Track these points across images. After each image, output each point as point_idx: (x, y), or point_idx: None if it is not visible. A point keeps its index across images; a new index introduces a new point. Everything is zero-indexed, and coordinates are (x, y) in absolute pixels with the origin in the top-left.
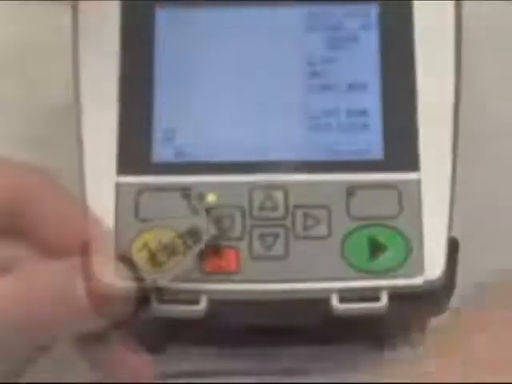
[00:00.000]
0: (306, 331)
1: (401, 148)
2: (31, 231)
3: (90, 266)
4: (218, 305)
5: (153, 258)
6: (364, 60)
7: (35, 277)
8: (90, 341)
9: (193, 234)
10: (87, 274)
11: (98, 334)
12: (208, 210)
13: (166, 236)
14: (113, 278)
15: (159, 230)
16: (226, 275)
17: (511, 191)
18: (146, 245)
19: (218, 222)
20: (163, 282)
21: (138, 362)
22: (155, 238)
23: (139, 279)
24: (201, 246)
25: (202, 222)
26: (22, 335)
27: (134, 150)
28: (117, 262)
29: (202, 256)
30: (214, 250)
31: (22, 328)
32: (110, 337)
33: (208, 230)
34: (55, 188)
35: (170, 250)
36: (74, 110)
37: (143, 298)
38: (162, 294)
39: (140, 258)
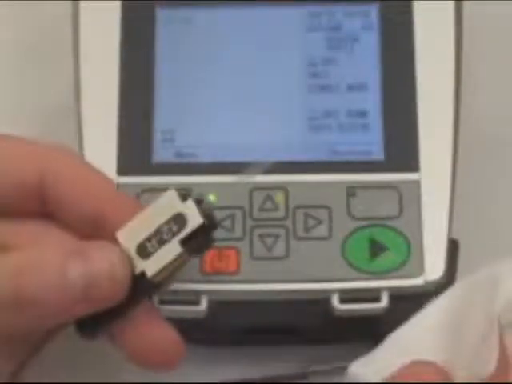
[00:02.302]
0: (306, 331)
1: (401, 148)
2: (60, 210)
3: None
4: (219, 305)
5: (141, 247)
6: (364, 60)
7: (25, 260)
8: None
9: (178, 220)
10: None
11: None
12: (198, 200)
13: (154, 223)
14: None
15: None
16: (226, 276)
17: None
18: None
19: (208, 214)
20: (151, 272)
21: (165, 337)
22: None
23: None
24: (185, 233)
25: (188, 210)
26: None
27: (135, 151)
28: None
29: (191, 247)
30: (204, 242)
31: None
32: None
33: (194, 218)
34: (82, 165)
35: (158, 239)
36: (74, 110)
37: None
38: (151, 285)
39: (129, 247)
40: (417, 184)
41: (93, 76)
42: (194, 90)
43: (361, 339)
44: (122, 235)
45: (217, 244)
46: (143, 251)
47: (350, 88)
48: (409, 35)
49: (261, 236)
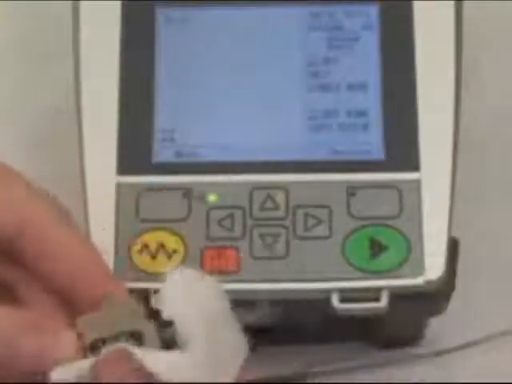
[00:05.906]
0: (306, 331)
1: (401, 148)
2: (33, 266)
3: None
4: None
5: (95, 343)
6: (364, 60)
7: None
8: None
9: (137, 337)
10: None
11: None
12: (166, 322)
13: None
14: None
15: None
16: (226, 275)
17: None
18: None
19: (168, 342)
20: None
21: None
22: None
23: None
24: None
25: (149, 332)
26: None
27: (135, 150)
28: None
29: None
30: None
31: None
32: None
33: (152, 344)
34: (58, 223)
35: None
36: (74, 110)
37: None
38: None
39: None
40: (417, 184)
41: (93, 76)
42: (194, 89)
43: (361, 339)
44: (82, 324)
45: (217, 243)
46: (96, 348)
47: (351, 88)
48: (409, 35)
49: (261, 235)
